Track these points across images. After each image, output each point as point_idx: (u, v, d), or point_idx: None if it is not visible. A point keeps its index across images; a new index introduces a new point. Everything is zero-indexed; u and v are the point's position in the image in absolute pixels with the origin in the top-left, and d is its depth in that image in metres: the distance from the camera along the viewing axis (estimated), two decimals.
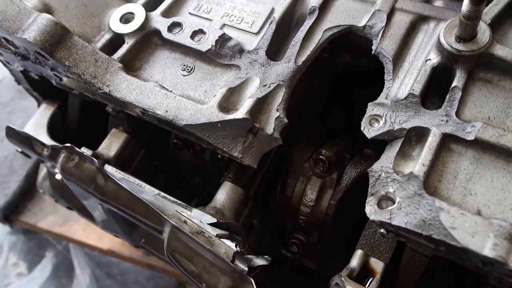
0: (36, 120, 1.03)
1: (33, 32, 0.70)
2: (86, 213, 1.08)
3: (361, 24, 0.75)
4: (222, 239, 0.70)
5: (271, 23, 0.77)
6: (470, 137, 0.59)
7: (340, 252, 0.90)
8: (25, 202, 1.48)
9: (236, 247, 0.69)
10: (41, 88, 1.02)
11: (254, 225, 0.93)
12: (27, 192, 1.49)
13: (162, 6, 0.83)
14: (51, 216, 1.46)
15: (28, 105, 1.63)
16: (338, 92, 0.98)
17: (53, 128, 1.03)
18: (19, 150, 1.02)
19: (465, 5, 0.58)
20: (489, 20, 0.66)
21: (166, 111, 0.69)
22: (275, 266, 0.77)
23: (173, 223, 0.72)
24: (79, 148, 0.85)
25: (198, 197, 1.02)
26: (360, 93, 0.96)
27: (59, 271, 1.67)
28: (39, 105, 1.12)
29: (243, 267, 0.69)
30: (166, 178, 1.07)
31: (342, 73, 0.95)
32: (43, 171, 1.14)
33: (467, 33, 0.62)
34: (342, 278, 0.67)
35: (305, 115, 0.88)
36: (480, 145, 0.59)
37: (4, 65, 0.98)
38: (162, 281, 1.61)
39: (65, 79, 0.81)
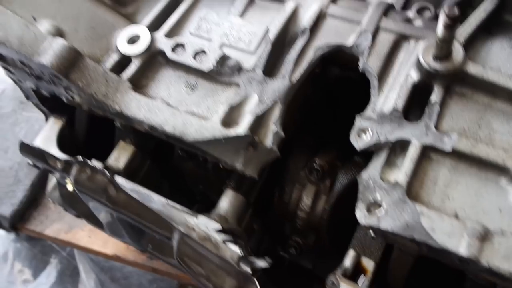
0: (45, 134, 1.08)
1: (49, 56, 0.77)
2: (94, 221, 1.14)
3: (349, 43, 0.82)
4: (227, 244, 0.77)
5: (267, 43, 0.84)
6: (447, 148, 0.66)
7: (334, 253, 0.97)
8: (31, 211, 1.53)
9: (240, 251, 0.76)
10: (49, 103, 1.08)
11: (254, 229, 0.99)
12: (32, 201, 1.54)
13: (165, 27, 0.89)
14: (56, 224, 1.52)
15: (31, 116, 1.68)
16: (328, 101, 1.05)
17: (61, 141, 1.08)
18: (31, 163, 1.08)
19: (440, 30, 0.66)
20: (463, 40, 0.74)
21: (174, 128, 0.76)
22: (274, 266, 0.84)
23: (183, 230, 0.78)
24: (89, 160, 0.91)
25: (200, 203, 1.08)
26: (347, 102, 1.04)
27: (64, 277, 1.72)
28: (46, 119, 1.17)
29: (247, 269, 0.76)
30: (168, 185, 1.13)
31: (332, 84, 1.02)
32: (52, 181, 1.20)
33: (443, 53, 0.70)
34: (337, 277, 0.74)
35: (299, 124, 0.95)
36: (456, 155, 0.66)
37: (15, 82, 1.03)
38: (164, 283, 1.67)
39: (76, 97, 0.87)
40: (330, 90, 1.02)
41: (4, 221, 1.51)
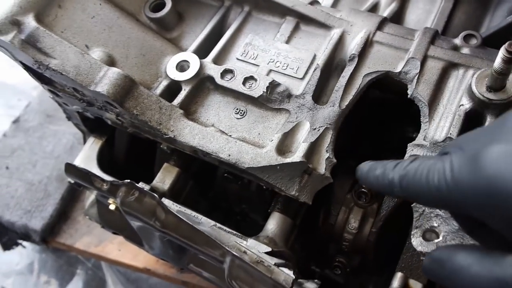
0: (86, 154, 1.10)
1: (106, 85, 0.78)
2: (133, 239, 1.16)
3: (397, 70, 0.84)
4: (280, 268, 0.79)
5: (315, 69, 0.85)
6: None
7: (374, 273, 0.98)
8: (60, 224, 1.55)
9: (293, 274, 0.78)
10: (91, 124, 1.10)
11: (296, 249, 1.01)
12: (62, 214, 1.56)
13: (213, 54, 0.91)
14: (86, 237, 1.53)
15: (58, 129, 1.70)
16: (368, 123, 1.07)
17: (101, 161, 1.10)
18: (72, 181, 1.10)
19: (498, 63, 0.67)
20: None
21: (229, 155, 0.78)
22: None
23: (235, 253, 0.80)
24: (136, 182, 0.92)
25: (241, 222, 1.10)
26: (386, 124, 1.05)
27: None
28: (84, 137, 1.19)
29: None
30: (206, 204, 1.15)
31: (371, 105, 1.04)
32: (89, 199, 1.21)
33: (498, 85, 0.71)
34: None
35: (342, 148, 0.96)
36: None
37: (59, 104, 1.05)
38: None
39: (126, 122, 0.89)
40: (367, 114, 1.04)
41: (34, 235, 1.53)
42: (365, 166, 0.56)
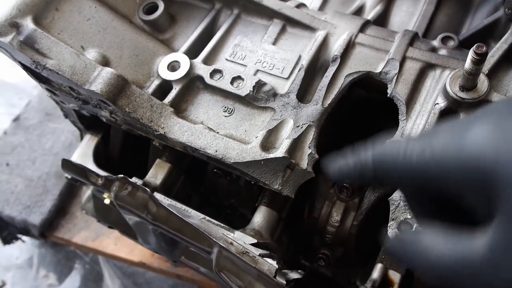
0: (82, 150, 1.14)
1: (100, 84, 0.83)
2: (128, 233, 1.20)
3: (378, 70, 0.88)
4: (264, 258, 0.83)
5: (300, 69, 0.89)
6: None
7: (359, 264, 1.02)
8: (59, 219, 1.60)
9: (276, 264, 0.82)
10: (87, 121, 1.14)
11: (283, 241, 1.05)
12: (60, 210, 1.61)
13: (203, 54, 0.95)
14: (84, 232, 1.58)
15: (57, 127, 1.75)
16: (352, 120, 1.11)
17: (96, 156, 1.14)
18: (69, 177, 1.14)
19: (468, 64, 0.71)
20: (487, 70, 0.79)
21: (216, 151, 0.82)
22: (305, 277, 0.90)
23: (222, 245, 0.84)
24: (130, 177, 0.97)
25: (231, 215, 1.14)
26: (373, 121, 1.09)
27: (88, 282, 1.79)
28: (81, 134, 1.24)
29: (282, 281, 0.82)
30: (198, 198, 1.19)
31: (356, 104, 1.08)
32: (86, 193, 1.26)
33: (469, 85, 0.75)
34: None
35: (326, 144, 1.00)
36: None
37: (57, 103, 1.09)
38: None
39: (119, 120, 0.93)
40: (352, 112, 1.08)
41: (33, 229, 1.58)
42: (331, 157, 0.53)
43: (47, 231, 1.58)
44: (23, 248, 1.86)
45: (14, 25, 0.83)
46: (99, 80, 0.83)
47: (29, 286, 1.80)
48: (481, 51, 0.67)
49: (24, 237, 1.78)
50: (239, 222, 1.08)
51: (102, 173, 1.02)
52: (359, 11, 1.11)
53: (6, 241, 1.70)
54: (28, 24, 0.84)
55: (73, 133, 1.74)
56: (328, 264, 0.97)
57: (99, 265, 1.78)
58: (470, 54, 0.69)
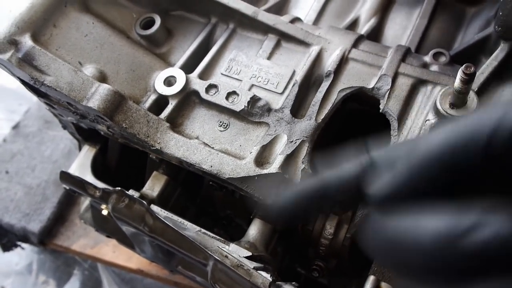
0: (80, 161, 1.16)
1: (97, 101, 0.84)
2: (125, 242, 1.22)
3: (370, 86, 0.89)
4: (258, 271, 0.84)
5: (294, 85, 0.91)
6: None
7: (352, 275, 1.04)
8: (58, 227, 1.61)
9: (271, 278, 0.83)
10: (85, 133, 1.15)
11: (278, 252, 1.07)
12: (59, 217, 1.62)
13: (199, 69, 0.96)
14: (83, 239, 1.59)
15: (56, 135, 1.76)
16: (346, 132, 1.12)
17: (94, 167, 1.16)
18: (67, 188, 1.16)
19: (457, 83, 0.73)
20: (476, 88, 0.81)
21: (211, 166, 0.83)
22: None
23: (217, 258, 0.85)
24: (127, 188, 0.98)
25: (227, 226, 1.16)
26: (366, 134, 1.10)
27: None
28: (79, 145, 1.25)
29: None
30: (194, 209, 1.20)
31: (349, 116, 1.09)
32: (85, 203, 1.27)
33: (459, 102, 0.76)
34: None
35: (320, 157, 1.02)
36: None
37: (55, 115, 1.11)
38: None
39: (117, 134, 0.95)
40: (347, 122, 1.09)
41: (32, 237, 1.59)
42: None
43: (46, 238, 1.59)
44: (23, 254, 1.87)
45: (12, 42, 0.85)
46: (96, 96, 0.84)
47: None
48: (470, 71, 0.68)
49: (24, 244, 1.79)
50: (236, 231, 1.09)
51: (100, 185, 1.03)
52: (353, 24, 1.12)
53: (6, 248, 1.71)
54: (27, 41, 0.85)
55: (72, 141, 1.76)
56: (322, 275, 0.98)
57: (98, 271, 1.79)
58: (459, 74, 0.70)
